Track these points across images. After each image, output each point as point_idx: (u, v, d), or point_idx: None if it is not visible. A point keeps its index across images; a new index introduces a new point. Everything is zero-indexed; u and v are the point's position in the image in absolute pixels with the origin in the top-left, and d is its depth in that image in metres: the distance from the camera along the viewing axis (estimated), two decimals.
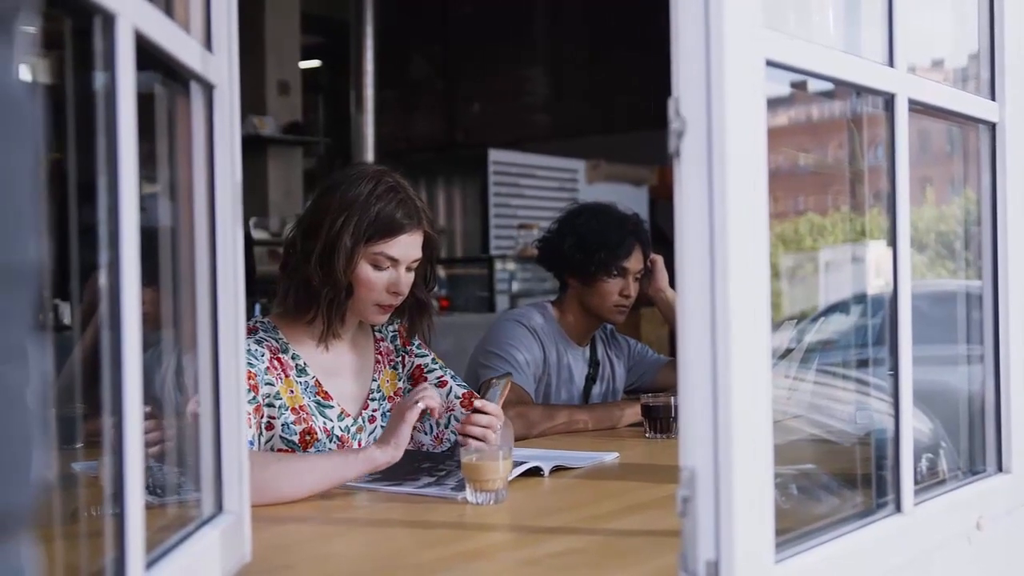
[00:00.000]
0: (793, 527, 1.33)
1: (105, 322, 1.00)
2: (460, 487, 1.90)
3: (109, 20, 0.99)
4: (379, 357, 2.35)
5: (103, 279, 1.00)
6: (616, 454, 2.34)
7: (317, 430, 2.16)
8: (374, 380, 2.32)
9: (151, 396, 1.15)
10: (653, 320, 6.74)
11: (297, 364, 2.20)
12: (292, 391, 2.16)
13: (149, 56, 1.11)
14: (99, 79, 1.01)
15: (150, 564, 1.08)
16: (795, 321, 2.26)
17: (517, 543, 1.66)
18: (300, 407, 2.16)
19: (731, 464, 1.15)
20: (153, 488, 1.30)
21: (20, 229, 0.54)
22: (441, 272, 7.69)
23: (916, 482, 1.53)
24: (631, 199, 7.22)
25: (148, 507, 1.05)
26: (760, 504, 1.19)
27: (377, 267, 2.16)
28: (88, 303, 1.29)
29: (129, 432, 1.00)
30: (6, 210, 0.53)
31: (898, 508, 1.50)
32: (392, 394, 2.34)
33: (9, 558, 0.54)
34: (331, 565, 1.56)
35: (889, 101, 1.50)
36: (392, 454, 1.94)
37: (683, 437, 1.17)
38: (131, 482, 1.01)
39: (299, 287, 2.18)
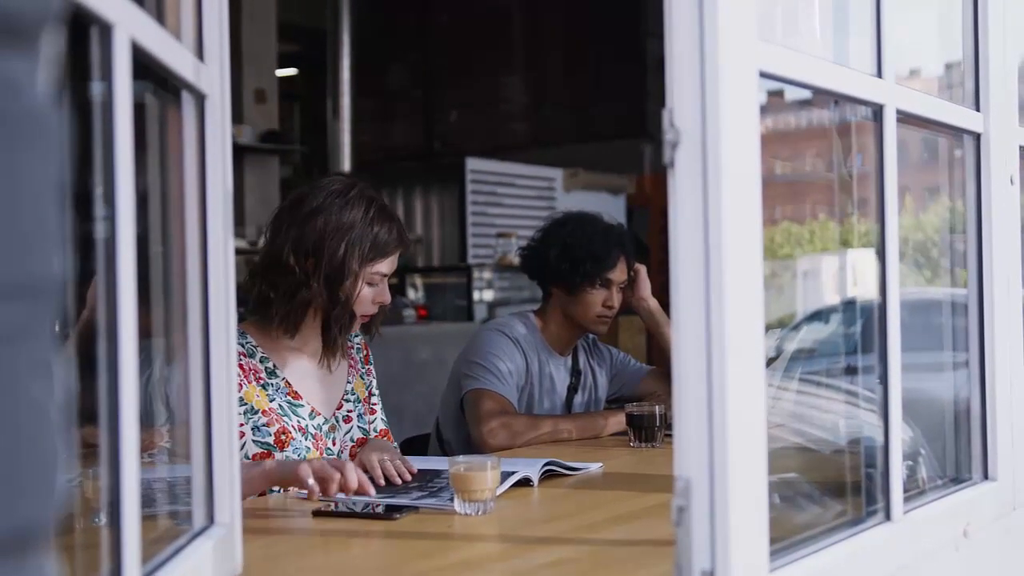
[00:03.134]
0: (786, 536, 1.33)
1: (101, 333, 1.00)
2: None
3: (106, 30, 0.98)
4: (351, 362, 2.43)
5: (99, 290, 0.99)
6: (601, 464, 2.34)
7: (291, 429, 2.22)
8: (348, 382, 2.39)
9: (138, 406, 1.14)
10: (631, 328, 6.76)
11: (266, 367, 2.25)
12: (258, 395, 2.21)
13: (142, 65, 1.10)
14: (95, 88, 1.00)
15: None
16: (778, 330, 2.27)
17: (508, 553, 1.66)
18: (270, 409, 2.21)
19: (726, 473, 1.15)
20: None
21: (46, 243, 0.54)
22: (419, 281, 7.68)
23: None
24: (608, 208, 7.23)
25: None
26: (755, 513, 1.19)
27: (370, 284, 2.27)
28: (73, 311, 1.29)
29: (125, 445, 1.00)
30: (33, 224, 0.53)
31: (888, 516, 1.51)
32: (363, 399, 2.42)
33: (35, 572, 0.54)
34: None
35: (878, 112, 1.51)
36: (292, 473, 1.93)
37: (678, 447, 1.17)
38: (127, 495, 1.00)
39: (298, 308, 2.22)
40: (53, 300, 0.55)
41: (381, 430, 2.45)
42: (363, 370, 2.46)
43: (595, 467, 2.32)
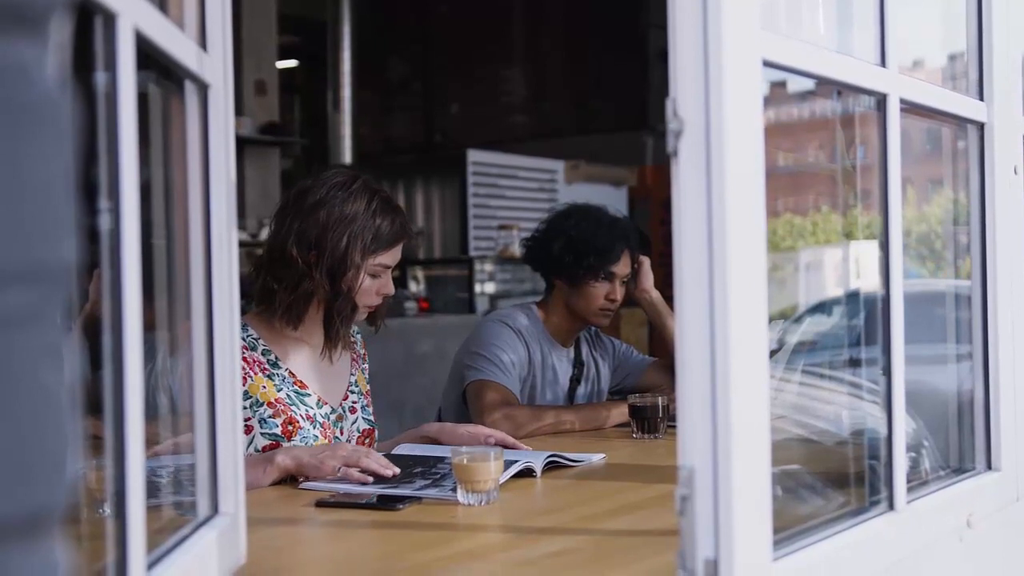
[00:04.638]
0: (789, 526, 1.33)
1: (106, 324, 1.00)
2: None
3: (110, 19, 0.98)
4: (354, 355, 2.45)
5: (104, 281, 0.99)
6: (603, 455, 2.35)
7: (299, 418, 2.23)
8: (352, 375, 2.42)
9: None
10: (632, 320, 6.77)
11: (268, 359, 2.26)
12: (264, 387, 2.22)
13: (145, 55, 1.10)
14: (99, 78, 1.00)
15: (150, 566, 1.07)
16: (780, 322, 2.27)
17: (511, 544, 1.66)
18: (276, 400, 2.23)
19: (730, 462, 1.15)
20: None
21: (57, 229, 0.54)
22: (420, 273, 7.68)
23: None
24: (610, 200, 7.22)
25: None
26: (758, 502, 1.20)
27: (373, 276, 2.28)
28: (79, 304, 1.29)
29: (130, 435, 1.00)
30: (44, 210, 0.53)
31: (891, 506, 1.51)
32: (364, 392, 2.45)
33: (46, 555, 0.54)
34: (325, 567, 1.56)
35: (881, 101, 1.51)
36: (288, 465, 2.04)
37: (682, 436, 1.17)
38: (132, 485, 1.00)
39: (301, 299, 2.24)
40: (64, 286, 0.55)
41: (365, 429, 2.45)
42: (363, 366, 2.49)
43: (597, 458, 2.32)
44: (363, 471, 2.00)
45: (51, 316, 0.54)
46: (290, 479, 2.08)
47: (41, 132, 0.54)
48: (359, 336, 2.51)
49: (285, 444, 2.18)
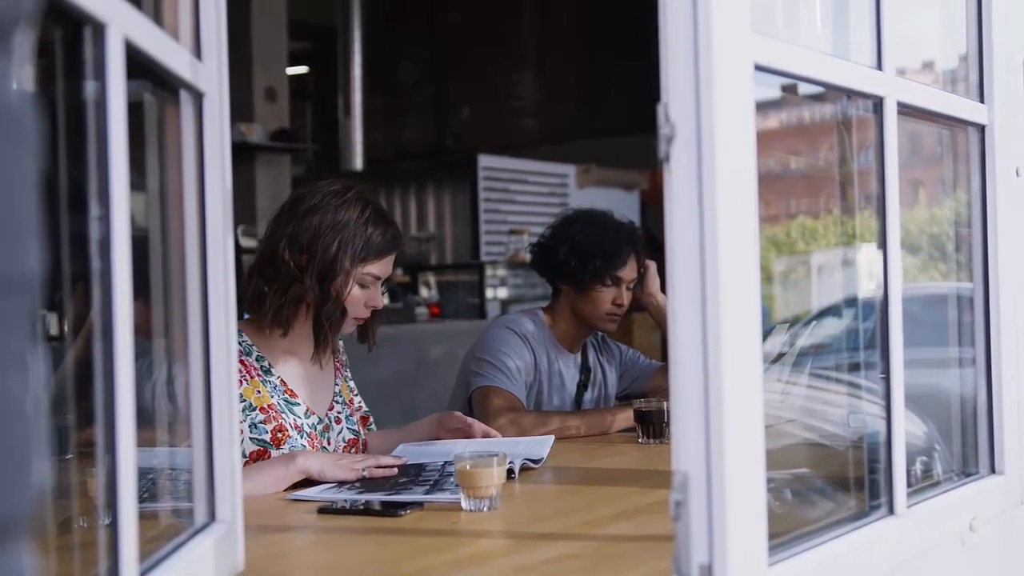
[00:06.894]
0: (787, 531, 1.33)
1: (97, 332, 1.00)
2: (458, 491, 1.89)
3: (99, 29, 0.99)
4: (338, 365, 2.48)
5: (95, 289, 1.00)
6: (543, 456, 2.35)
7: (288, 427, 2.26)
8: (336, 384, 2.44)
9: (141, 406, 1.15)
10: (645, 325, 6.75)
11: (262, 365, 2.29)
12: (259, 391, 2.25)
13: (138, 64, 1.10)
14: (89, 88, 1.01)
15: (145, 573, 1.07)
16: (787, 325, 2.26)
17: (512, 549, 1.66)
18: (268, 406, 2.25)
19: (724, 467, 1.15)
20: (143, 496, 1.30)
21: (21, 238, 0.55)
22: (431, 279, 7.68)
23: (910, 485, 1.53)
24: (622, 204, 7.23)
25: (140, 516, 1.05)
26: (753, 507, 1.19)
27: (362, 286, 2.30)
28: (77, 313, 1.29)
29: (122, 442, 1.00)
30: (7, 220, 0.54)
31: (891, 510, 1.50)
32: (348, 401, 2.47)
33: (10, 564, 0.54)
34: (324, 574, 1.56)
35: (878, 104, 1.50)
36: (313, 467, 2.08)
37: (676, 441, 1.17)
38: (124, 492, 1.00)
39: (290, 303, 2.26)
40: (31, 295, 0.56)
41: (350, 439, 2.45)
42: (346, 373, 2.52)
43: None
44: (380, 468, 2.12)
45: (16, 325, 0.55)
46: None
47: (6, 143, 0.55)
48: (341, 342, 2.53)
49: (274, 452, 2.20)
